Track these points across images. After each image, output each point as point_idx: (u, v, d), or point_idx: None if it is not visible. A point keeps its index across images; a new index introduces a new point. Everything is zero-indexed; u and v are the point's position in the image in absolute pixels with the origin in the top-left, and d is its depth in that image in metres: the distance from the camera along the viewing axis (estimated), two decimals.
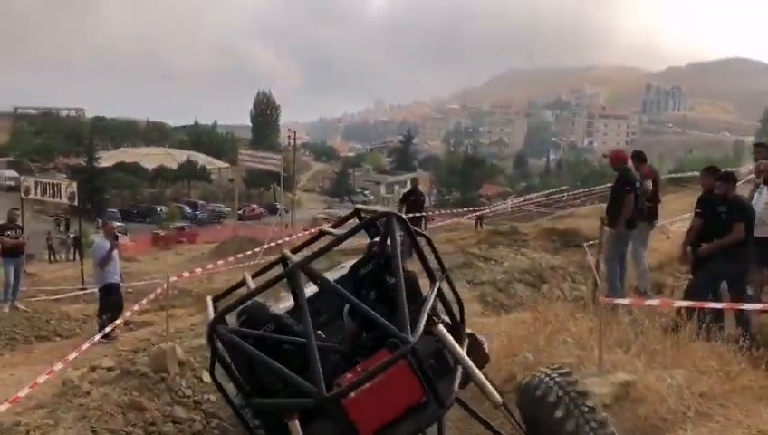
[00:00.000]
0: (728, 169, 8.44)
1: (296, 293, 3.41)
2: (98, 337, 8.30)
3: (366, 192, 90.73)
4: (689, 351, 5.69)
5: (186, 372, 6.51)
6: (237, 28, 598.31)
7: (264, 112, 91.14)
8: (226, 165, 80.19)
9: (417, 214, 13.64)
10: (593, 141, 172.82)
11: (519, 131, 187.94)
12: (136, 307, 8.87)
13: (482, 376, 3.44)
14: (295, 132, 51.64)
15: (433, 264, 3.87)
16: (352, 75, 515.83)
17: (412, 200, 14.10)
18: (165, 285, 7.71)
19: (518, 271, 11.68)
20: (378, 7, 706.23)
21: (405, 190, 16.35)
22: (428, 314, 3.33)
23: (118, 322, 9.28)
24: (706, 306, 4.88)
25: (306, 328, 3.13)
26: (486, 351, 4.39)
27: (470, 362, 3.45)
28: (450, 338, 3.44)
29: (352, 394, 3.11)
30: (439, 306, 3.90)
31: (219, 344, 3.46)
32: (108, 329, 8.84)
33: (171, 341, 7.38)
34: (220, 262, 12.87)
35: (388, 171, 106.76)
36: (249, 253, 15.38)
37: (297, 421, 3.17)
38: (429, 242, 4.25)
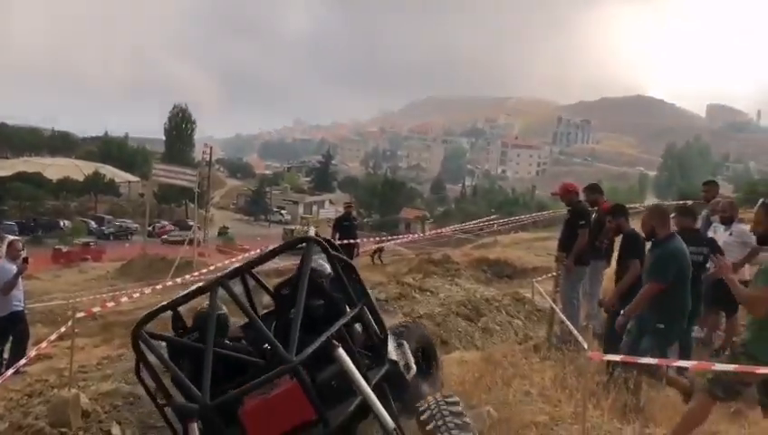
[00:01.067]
0: (619, 203, 8.08)
1: (213, 306, 3.68)
2: (10, 372, 7.21)
3: (283, 212, 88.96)
4: (661, 404, 5.30)
5: (91, 425, 5.53)
6: (155, 40, 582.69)
7: (179, 126, 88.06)
8: (137, 179, 76.88)
9: (352, 240, 12.99)
10: (506, 170, 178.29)
11: (436, 157, 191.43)
12: (53, 337, 7.59)
13: (376, 401, 3.54)
14: (211, 148, 49.88)
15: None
16: (271, 92, 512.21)
17: (346, 226, 13.44)
18: (70, 322, 6.65)
19: (455, 303, 11.12)
20: (300, 28, 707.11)
21: (338, 215, 15.62)
22: (328, 337, 3.53)
23: (31, 354, 8.04)
24: (718, 368, 4.42)
25: (208, 338, 3.50)
26: (408, 379, 4.47)
27: (366, 387, 3.54)
28: (348, 362, 3.54)
29: (248, 405, 3.44)
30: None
31: (144, 348, 3.76)
32: (21, 363, 7.74)
33: (74, 384, 6.34)
34: (136, 294, 11.71)
35: (306, 191, 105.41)
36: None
37: (195, 424, 3.45)
38: (353, 268, 4.35)
